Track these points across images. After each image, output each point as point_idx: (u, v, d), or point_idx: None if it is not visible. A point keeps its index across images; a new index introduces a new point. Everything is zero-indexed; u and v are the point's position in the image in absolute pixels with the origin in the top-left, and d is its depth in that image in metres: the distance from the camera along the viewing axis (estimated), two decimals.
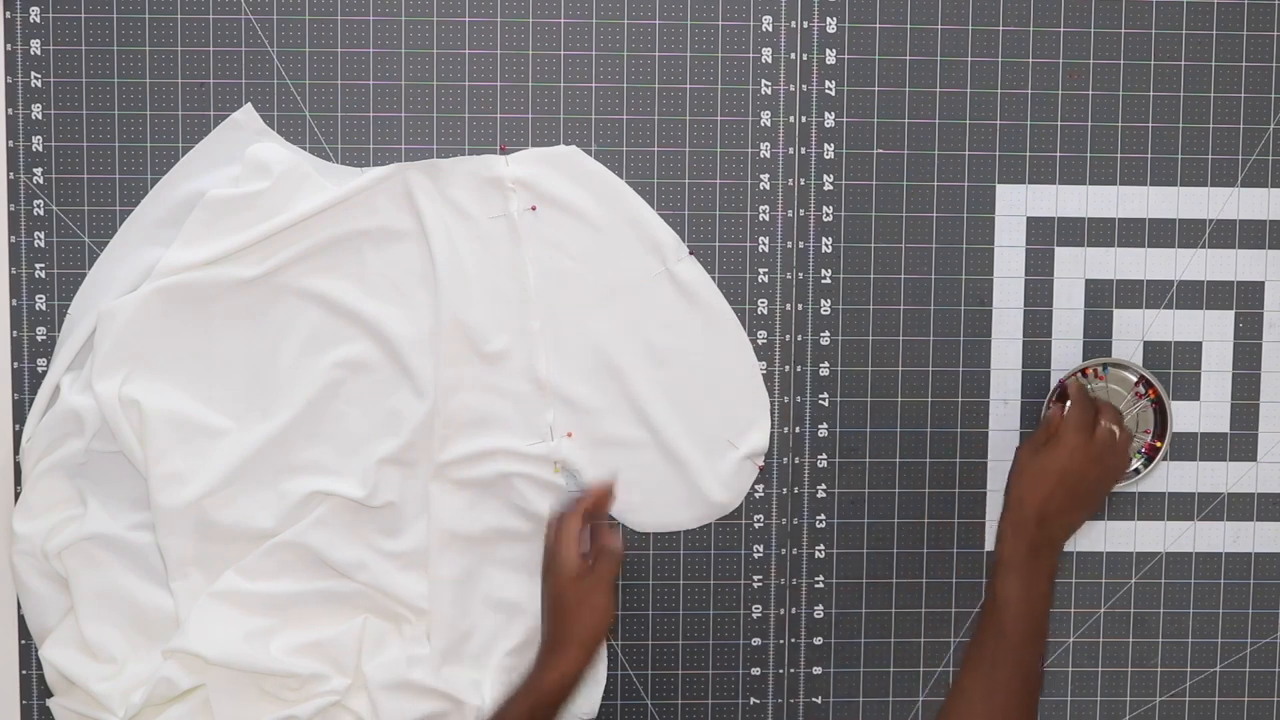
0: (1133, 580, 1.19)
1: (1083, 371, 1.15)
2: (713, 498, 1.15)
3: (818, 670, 1.18)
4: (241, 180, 1.11)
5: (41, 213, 1.13)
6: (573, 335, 1.14)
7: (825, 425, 1.17)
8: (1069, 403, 1.06)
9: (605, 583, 1.04)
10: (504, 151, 1.14)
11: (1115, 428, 1.05)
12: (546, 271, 1.13)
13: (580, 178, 1.13)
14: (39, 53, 1.12)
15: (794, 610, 1.18)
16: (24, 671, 1.15)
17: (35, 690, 1.15)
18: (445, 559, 1.12)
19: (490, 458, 1.13)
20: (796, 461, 1.17)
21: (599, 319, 1.14)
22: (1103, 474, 1.05)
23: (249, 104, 1.13)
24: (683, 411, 1.15)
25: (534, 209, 1.13)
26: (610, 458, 1.14)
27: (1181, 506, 1.19)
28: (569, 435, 1.14)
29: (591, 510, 1.08)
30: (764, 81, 1.15)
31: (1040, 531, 1.02)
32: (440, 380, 1.11)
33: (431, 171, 1.12)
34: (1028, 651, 0.99)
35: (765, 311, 1.16)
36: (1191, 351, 1.18)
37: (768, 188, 1.15)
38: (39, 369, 1.13)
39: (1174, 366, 1.18)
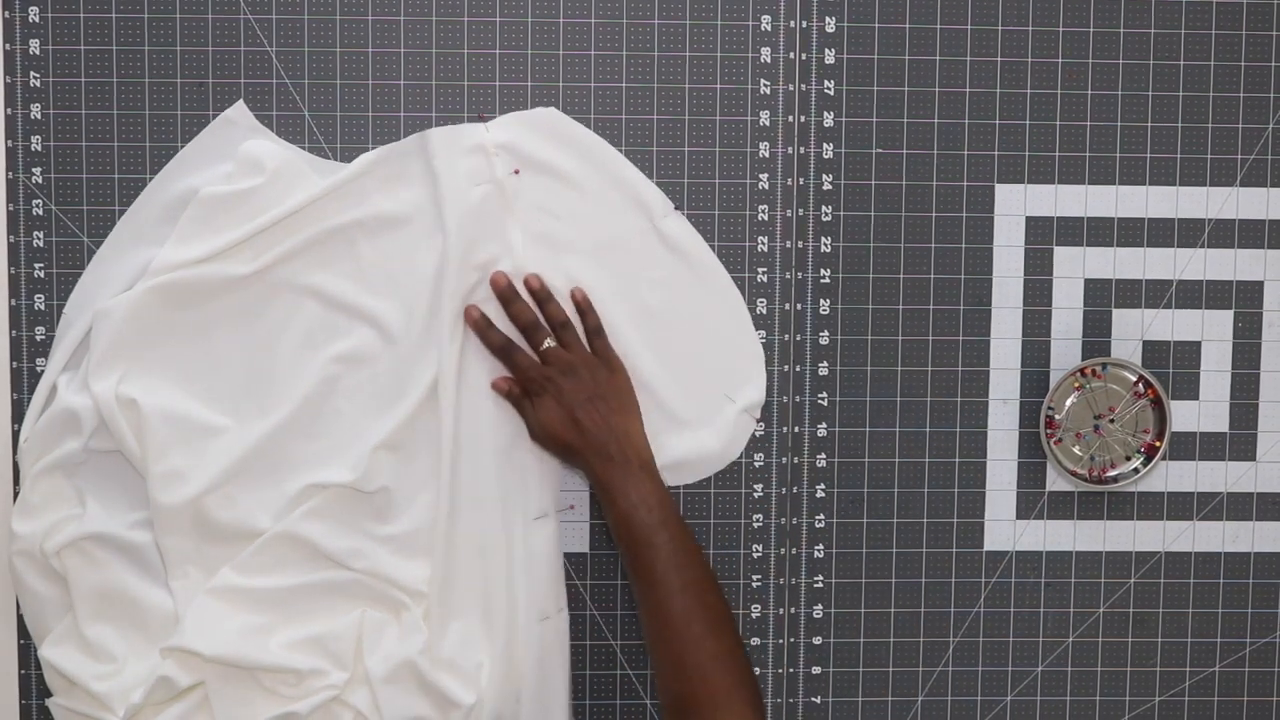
0: (1132, 580, 1.19)
1: (1082, 371, 1.15)
2: (711, 452, 1.15)
3: (817, 670, 1.18)
4: (235, 177, 1.11)
5: (40, 212, 1.13)
6: (564, 297, 1.14)
7: (824, 424, 1.17)
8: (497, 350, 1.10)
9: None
10: (483, 119, 1.13)
11: (550, 339, 1.10)
12: (534, 235, 1.13)
13: (561, 139, 1.13)
14: (38, 52, 1.12)
15: (793, 610, 1.18)
16: (24, 671, 1.15)
17: (35, 690, 1.15)
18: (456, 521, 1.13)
19: (483, 435, 1.13)
20: (796, 461, 1.17)
21: (589, 279, 1.14)
22: (592, 373, 1.10)
23: (241, 101, 1.13)
24: (677, 368, 1.15)
25: (517, 172, 1.13)
26: None
27: (1180, 506, 1.19)
28: None
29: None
30: (763, 81, 1.15)
31: (627, 452, 1.07)
32: (442, 353, 1.11)
33: (424, 145, 1.12)
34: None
35: (764, 311, 1.16)
36: (1190, 351, 1.18)
37: (766, 187, 1.15)
38: (38, 369, 1.13)
39: (1173, 366, 1.18)
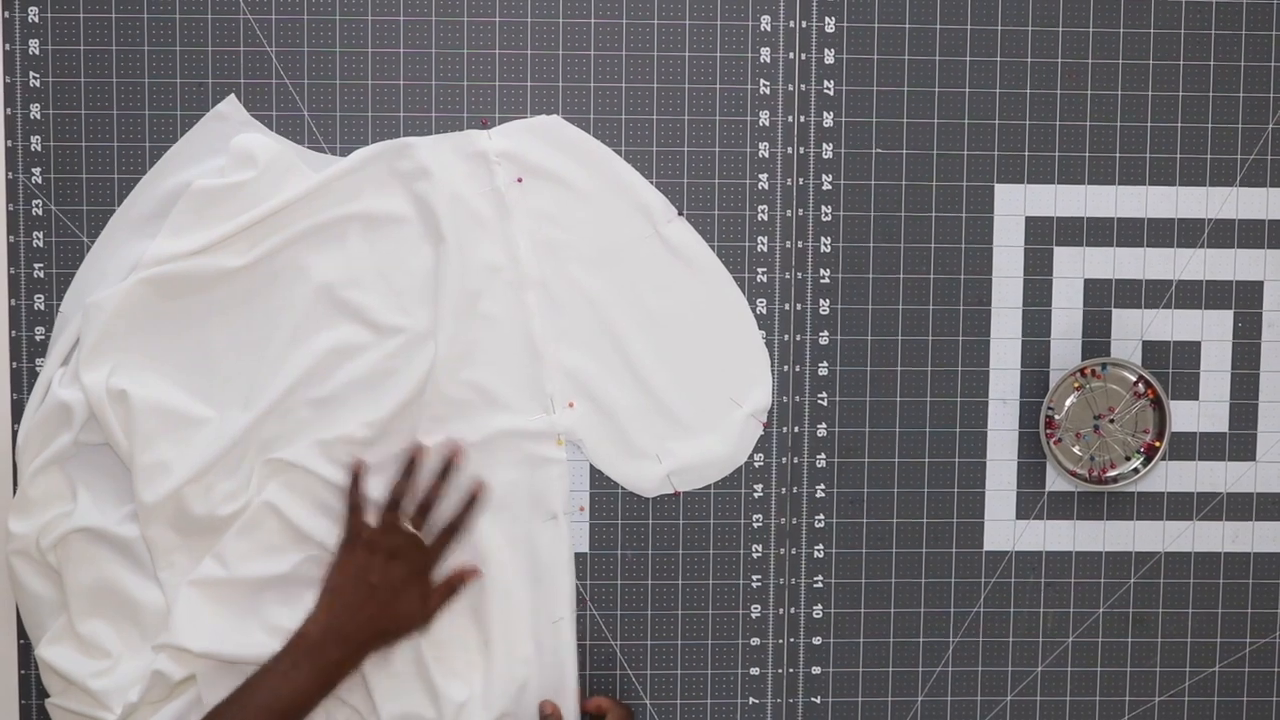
0: (1132, 580, 1.19)
1: (1081, 371, 1.15)
2: (719, 456, 1.15)
3: (816, 670, 1.18)
4: (227, 171, 1.11)
5: (40, 212, 1.13)
6: (568, 304, 1.14)
7: (824, 425, 1.17)
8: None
9: None
10: (485, 126, 1.13)
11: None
12: (538, 242, 1.13)
13: (564, 146, 1.14)
14: (37, 52, 1.12)
15: (793, 610, 1.18)
16: (23, 672, 1.15)
17: (35, 691, 1.15)
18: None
19: (492, 441, 1.12)
20: (795, 461, 1.17)
21: (593, 286, 1.14)
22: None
23: (232, 95, 1.12)
24: (683, 373, 1.15)
25: (520, 181, 1.13)
26: (612, 424, 1.14)
27: (1180, 506, 1.19)
28: (570, 405, 1.14)
29: None
30: (762, 81, 1.15)
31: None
32: (437, 358, 1.11)
33: (415, 151, 1.12)
34: None
35: (764, 311, 1.16)
36: (1190, 351, 1.18)
37: (766, 187, 1.15)
38: (38, 369, 1.13)
39: (1173, 366, 1.18)
